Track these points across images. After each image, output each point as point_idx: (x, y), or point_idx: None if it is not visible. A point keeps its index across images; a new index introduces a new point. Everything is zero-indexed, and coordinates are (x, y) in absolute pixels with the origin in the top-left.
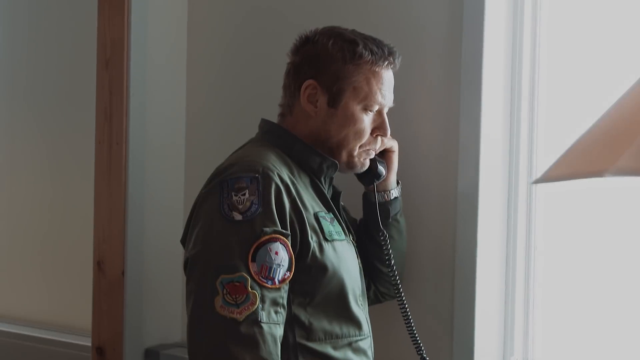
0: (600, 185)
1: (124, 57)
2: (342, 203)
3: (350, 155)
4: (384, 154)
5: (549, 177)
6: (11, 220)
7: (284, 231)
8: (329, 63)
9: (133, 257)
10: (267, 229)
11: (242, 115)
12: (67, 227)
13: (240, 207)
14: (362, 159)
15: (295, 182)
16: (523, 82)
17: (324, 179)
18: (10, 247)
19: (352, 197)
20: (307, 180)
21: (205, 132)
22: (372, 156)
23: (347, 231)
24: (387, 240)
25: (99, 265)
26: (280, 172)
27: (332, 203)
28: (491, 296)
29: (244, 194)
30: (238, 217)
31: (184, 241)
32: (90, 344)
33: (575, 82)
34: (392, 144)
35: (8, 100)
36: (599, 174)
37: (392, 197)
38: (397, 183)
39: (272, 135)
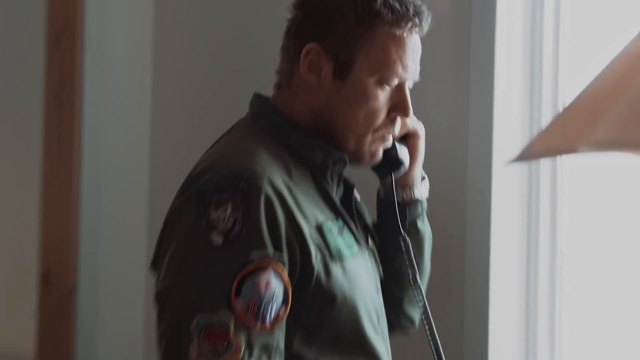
0: None
1: (78, 31)
2: (356, 196)
3: (360, 143)
4: (406, 140)
5: (525, 155)
6: None
7: (277, 256)
8: (336, 21)
9: (86, 270)
10: (256, 254)
11: (220, 102)
12: (6, 233)
13: (221, 226)
14: (373, 148)
15: (293, 186)
16: (544, 62)
17: (330, 176)
18: None
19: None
20: (308, 179)
21: (175, 123)
22: (389, 144)
23: (361, 237)
24: (409, 247)
25: (45, 280)
26: (273, 176)
27: (340, 205)
28: (508, 314)
29: (226, 209)
30: (218, 239)
31: (155, 264)
32: None
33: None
34: (416, 126)
35: None
36: (572, 149)
37: (413, 197)
38: (423, 179)
39: (264, 120)
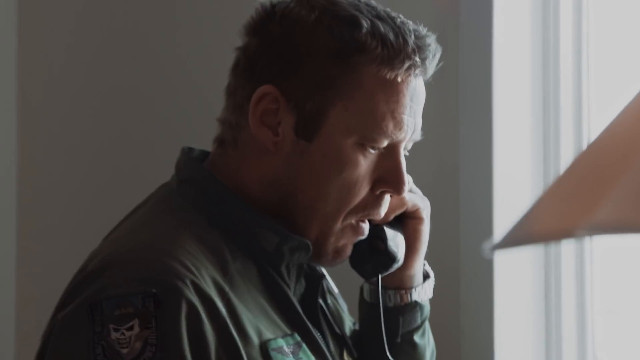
0: None
1: None
2: (331, 288)
3: (325, 231)
4: (403, 223)
5: (509, 241)
6: None
7: None
8: (303, 57)
9: None
10: None
11: (104, 115)
12: None
13: (125, 351)
14: (340, 243)
15: (229, 289)
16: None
17: (286, 269)
18: None
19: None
20: (252, 276)
21: (47, 136)
22: (361, 236)
23: (333, 355)
24: None
25: None
26: (200, 276)
27: (300, 311)
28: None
29: (131, 328)
30: None
31: None
32: None
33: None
34: (417, 203)
35: None
36: (569, 233)
37: (410, 300)
38: (426, 277)
39: (194, 190)
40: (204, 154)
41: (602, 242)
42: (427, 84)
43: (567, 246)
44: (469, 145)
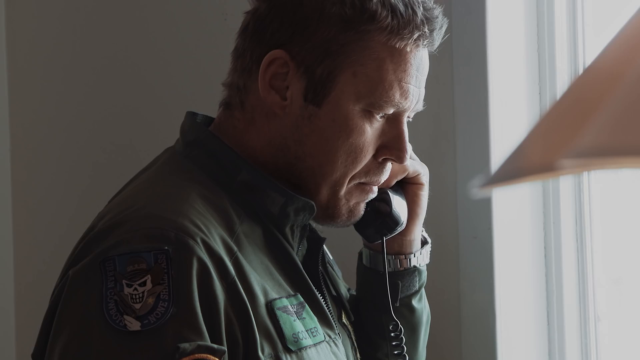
0: None
1: None
2: (327, 255)
3: (335, 194)
4: (403, 188)
5: (496, 177)
6: None
7: (215, 346)
8: (314, 22)
9: None
10: (187, 345)
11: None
12: None
13: (138, 306)
14: (352, 203)
15: (237, 249)
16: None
17: (290, 230)
18: None
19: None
20: (258, 237)
21: (41, 137)
22: (372, 196)
23: (332, 316)
24: (401, 336)
25: None
26: (209, 235)
27: (304, 271)
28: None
29: (144, 284)
30: (134, 325)
31: (39, 356)
32: None
33: None
34: (418, 169)
35: None
36: (553, 165)
37: (409, 265)
38: (425, 242)
39: (200, 152)
40: (208, 119)
41: (603, 206)
42: None
43: (567, 209)
44: (465, 109)
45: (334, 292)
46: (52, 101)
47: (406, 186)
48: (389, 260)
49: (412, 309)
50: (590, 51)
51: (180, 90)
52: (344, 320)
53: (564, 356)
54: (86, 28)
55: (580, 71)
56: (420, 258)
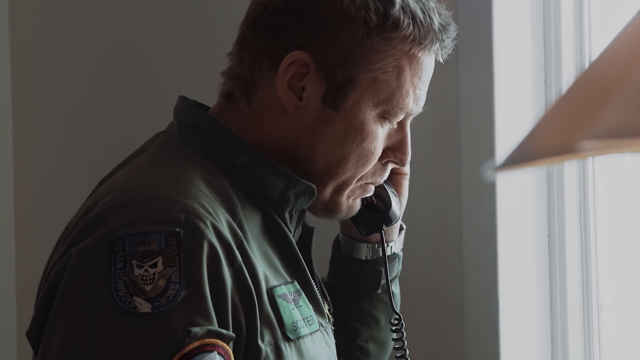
0: None
1: None
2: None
3: (339, 192)
4: (390, 179)
5: (510, 161)
6: None
7: (224, 332)
8: (337, 26)
9: None
10: (197, 330)
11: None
12: None
13: (149, 288)
14: (351, 200)
15: (241, 233)
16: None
17: (290, 215)
18: None
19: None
20: (257, 221)
21: (44, 135)
22: (369, 193)
23: (324, 306)
24: (402, 330)
25: None
26: (217, 219)
27: (300, 257)
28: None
29: (155, 265)
30: (144, 307)
31: (34, 334)
32: None
33: None
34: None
35: None
36: (570, 147)
37: (390, 252)
38: (401, 229)
39: (198, 136)
40: (201, 105)
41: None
42: None
43: (571, 197)
44: (470, 97)
45: (319, 280)
46: (55, 99)
47: (391, 175)
48: (370, 248)
49: (392, 294)
50: (597, 40)
51: (183, 87)
52: (326, 307)
53: (567, 345)
54: (87, 22)
55: (587, 60)
56: (399, 243)
